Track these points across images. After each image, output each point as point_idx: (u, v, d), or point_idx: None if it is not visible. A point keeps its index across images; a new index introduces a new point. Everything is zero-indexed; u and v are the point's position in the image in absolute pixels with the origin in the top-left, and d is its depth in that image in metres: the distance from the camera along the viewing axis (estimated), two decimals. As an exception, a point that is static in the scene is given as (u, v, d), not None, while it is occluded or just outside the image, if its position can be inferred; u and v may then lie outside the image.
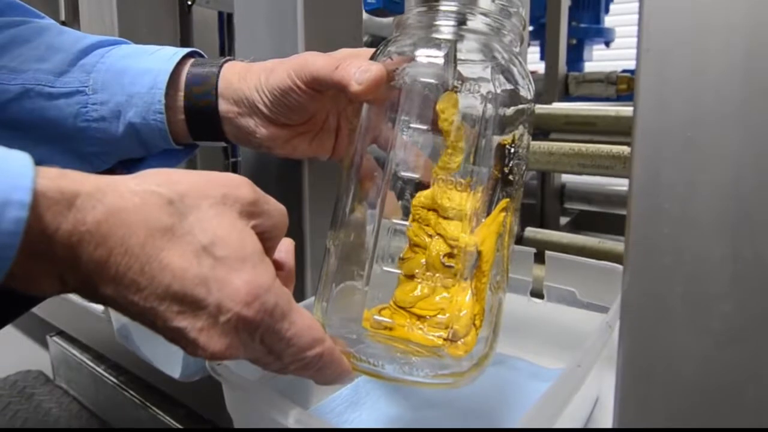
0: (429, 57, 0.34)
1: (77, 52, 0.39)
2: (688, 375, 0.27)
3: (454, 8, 0.33)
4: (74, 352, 0.80)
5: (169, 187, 0.24)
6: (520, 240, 1.04)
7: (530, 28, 1.64)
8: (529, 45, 1.65)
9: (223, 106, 0.39)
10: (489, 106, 0.34)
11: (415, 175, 0.35)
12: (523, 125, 0.36)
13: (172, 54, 0.40)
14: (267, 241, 0.27)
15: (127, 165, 0.43)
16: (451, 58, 0.34)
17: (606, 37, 1.61)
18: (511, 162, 0.35)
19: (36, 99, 0.38)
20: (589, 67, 1.60)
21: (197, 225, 0.24)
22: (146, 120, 0.38)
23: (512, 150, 0.35)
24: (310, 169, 0.47)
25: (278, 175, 0.48)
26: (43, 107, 0.38)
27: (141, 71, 0.38)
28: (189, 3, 0.71)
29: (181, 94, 0.39)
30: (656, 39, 0.26)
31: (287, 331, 0.25)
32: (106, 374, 0.76)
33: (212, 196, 0.25)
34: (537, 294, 0.60)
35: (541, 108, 0.99)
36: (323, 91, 0.36)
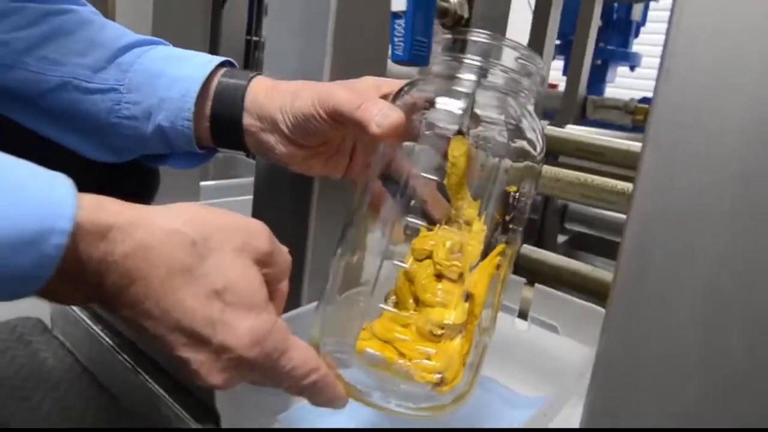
0: (448, 106, 0.35)
1: (116, 50, 0.41)
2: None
3: (477, 63, 0.35)
4: (73, 307, 0.83)
5: (194, 228, 0.26)
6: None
7: (557, 42, 1.64)
8: (554, 59, 1.65)
9: (247, 120, 0.41)
10: (499, 159, 0.35)
11: (425, 211, 0.37)
12: (529, 178, 0.37)
13: (206, 62, 0.41)
14: (273, 284, 0.30)
15: (150, 159, 0.45)
16: (469, 109, 0.35)
17: (632, 62, 1.61)
18: (513, 211, 0.37)
19: (73, 92, 0.40)
20: (610, 88, 1.60)
21: (214, 269, 0.26)
22: (174, 124, 0.40)
23: (516, 198, 0.37)
24: (321, 180, 0.49)
25: (290, 182, 0.50)
26: (79, 100, 0.40)
27: (175, 78, 0.40)
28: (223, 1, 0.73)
29: (209, 102, 0.41)
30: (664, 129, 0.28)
31: (284, 367, 0.28)
32: (102, 334, 0.79)
33: (233, 242, 0.27)
34: (523, 315, 0.63)
35: (553, 130, 1.00)
36: (344, 123, 0.38)
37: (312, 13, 0.46)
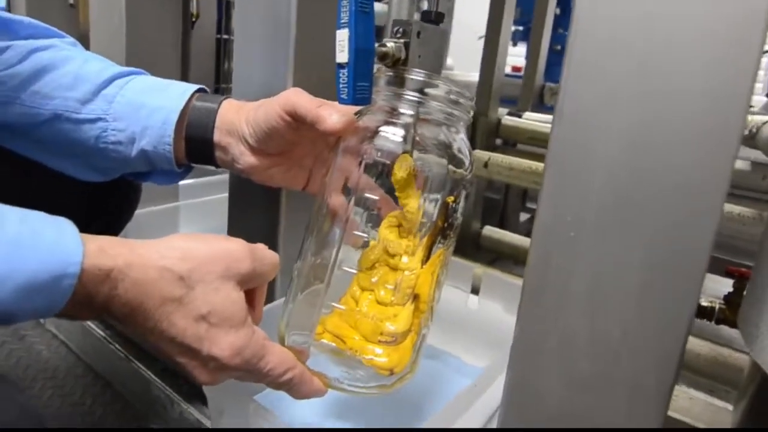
0: (392, 134, 0.42)
1: (100, 83, 0.46)
2: (553, 410, 0.37)
3: (415, 98, 0.41)
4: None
5: (181, 265, 0.33)
6: (478, 237, 1.15)
7: (520, 28, 1.69)
8: (515, 45, 1.71)
9: (217, 136, 0.47)
10: (440, 175, 0.42)
11: (375, 198, 0.43)
12: (460, 189, 0.44)
13: (182, 92, 0.47)
14: (258, 289, 0.37)
15: (133, 175, 0.51)
16: (410, 136, 0.42)
17: (590, 45, 1.66)
18: (451, 218, 0.44)
19: (64, 123, 0.45)
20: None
21: (200, 296, 0.33)
22: (157, 148, 0.46)
23: (454, 207, 0.44)
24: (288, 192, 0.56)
25: (262, 194, 0.56)
26: (69, 129, 0.45)
27: (155, 108, 0.46)
28: (193, 20, 0.77)
29: (185, 124, 0.47)
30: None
31: (264, 368, 0.35)
32: (93, 326, 0.84)
33: (216, 271, 0.34)
34: (476, 290, 0.70)
35: (509, 120, 1.07)
36: (302, 124, 0.43)
37: (275, 54, 0.52)
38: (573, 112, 0.34)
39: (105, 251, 0.31)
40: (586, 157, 0.34)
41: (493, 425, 0.55)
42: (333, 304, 0.41)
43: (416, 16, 0.44)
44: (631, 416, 0.35)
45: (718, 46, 0.29)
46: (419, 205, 0.42)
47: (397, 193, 0.43)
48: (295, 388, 0.37)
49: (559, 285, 0.36)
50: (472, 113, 0.43)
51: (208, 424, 0.66)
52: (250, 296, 0.37)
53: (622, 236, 0.34)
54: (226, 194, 0.62)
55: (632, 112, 0.32)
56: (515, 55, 1.72)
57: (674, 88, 0.31)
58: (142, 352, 0.78)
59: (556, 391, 0.37)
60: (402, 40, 0.41)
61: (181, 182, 0.91)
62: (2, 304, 0.27)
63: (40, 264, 0.28)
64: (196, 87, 0.48)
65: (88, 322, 0.83)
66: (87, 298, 0.30)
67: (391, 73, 0.42)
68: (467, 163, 0.43)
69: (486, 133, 1.09)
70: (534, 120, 1.10)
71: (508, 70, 1.52)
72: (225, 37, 1.30)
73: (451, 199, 0.43)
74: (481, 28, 1.17)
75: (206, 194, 0.90)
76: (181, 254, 0.33)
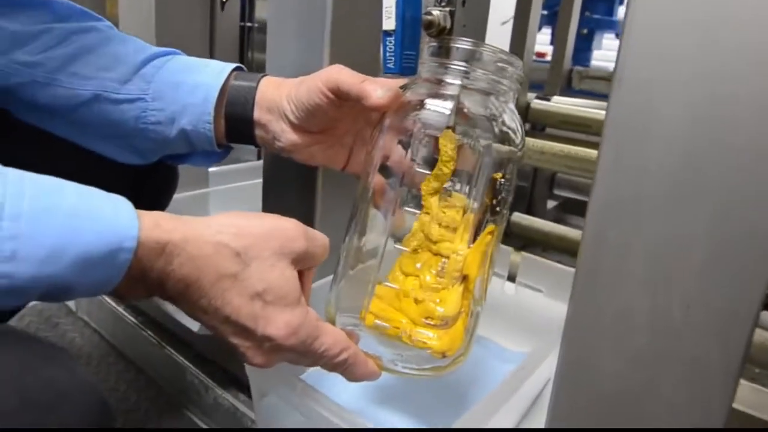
0: (438, 107, 0.40)
1: (138, 63, 0.45)
2: (609, 388, 0.36)
3: (461, 67, 0.40)
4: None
5: (237, 241, 0.32)
6: (507, 223, 1.13)
7: (544, 12, 1.66)
8: (540, 29, 1.68)
9: (258, 113, 0.46)
10: (485, 150, 0.41)
11: (426, 173, 0.41)
12: (512, 164, 0.43)
13: (221, 69, 0.46)
14: (309, 270, 0.36)
15: (172, 158, 0.50)
16: (455, 108, 0.41)
17: (617, 30, 1.63)
18: (500, 195, 0.42)
19: (104, 103, 0.45)
20: (597, 55, 1.64)
21: (256, 274, 0.32)
22: (197, 127, 0.45)
23: (502, 183, 0.42)
24: (324, 171, 0.55)
25: (297, 177, 0.56)
26: (109, 110, 0.45)
27: (194, 85, 0.45)
28: (223, 2, 0.76)
29: (224, 101, 0.46)
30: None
31: (318, 349, 0.34)
32: (126, 313, 0.85)
33: (271, 248, 0.33)
34: (512, 278, 0.69)
35: (538, 104, 1.05)
36: (345, 100, 0.42)
37: (310, 32, 0.51)
38: (633, 78, 0.33)
39: (160, 225, 0.30)
40: (647, 127, 0.33)
41: (539, 409, 0.54)
42: (386, 283, 0.40)
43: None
44: (693, 396, 0.34)
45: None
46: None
47: (443, 169, 0.42)
48: (350, 370, 0.36)
49: (617, 261, 0.35)
50: (521, 82, 0.42)
51: (243, 409, 0.66)
52: (300, 277, 0.36)
53: (685, 211, 0.32)
54: (256, 180, 0.62)
55: (699, 80, 0.30)
56: (538, 42, 1.69)
57: (740, 59, 0.29)
58: (175, 337, 0.78)
59: (612, 367, 0.36)
60: (447, 8, 0.40)
61: (211, 168, 0.91)
62: (60, 276, 0.27)
63: (98, 237, 0.27)
64: (234, 65, 0.47)
65: (121, 309, 0.84)
66: (142, 273, 0.30)
67: (435, 43, 0.40)
68: (517, 136, 0.42)
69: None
70: (564, 104, 1.07)
71: (532, 55, 1.50)
72: (249, 24, 1.29)
73: (499, 175, 0.42)
74: (504, 14, 1.15)
75: (236, 180, 0.90)
76: (237, 230, 0.32)
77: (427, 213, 0.41)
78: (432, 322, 0.38)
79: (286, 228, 0.34)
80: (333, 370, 0.36)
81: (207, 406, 0.71)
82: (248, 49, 1.29)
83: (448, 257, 0.40)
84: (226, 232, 0.32)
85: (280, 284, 0.33)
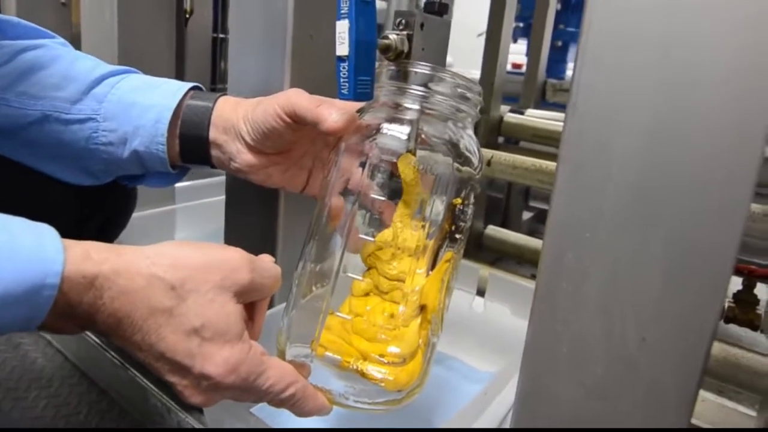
0: (395, 131, 0.40)
1: (90, 82, 0.44)
2: (567, 415, 0.35)
3: (420, 92, 0.39)
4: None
5: (173, 273, 0.30)
6: (480, 237, 1.13)
7: (520, 25, 1.67)
8: (515, 41, 1.69)
9: (213, 133, 0.45)
10: (443, 176, 0.40)
11: (381, 199, 0.41)
12: (469, 189, 0.42)
13: (177, 89, 0.45)
14: (261, 302, 0.35)
15: (126, 179, 0.49)
16: (414, 133, 0.40)
17: (591, 41, 1.65)
18: (459, 221, 0.42)
19: (53, 123, 0.43)
20: (571, 67, 1.65)
21: (193, 308, 0.30)
22: (149, 149, 0.44)
23: (461, 209, 0.42)
24: (286, 194, 0.54)
25: (259, 196, 0.54)
26: (58, 131, 0.44)
27: (147, 106, 0.44)
28: (187, 16, 0.75)
29: (179, 122, 0.45)
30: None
31: (263, 385, 0.33)
32: (89, 333, 0.82)
33: (211, 281, 0.31)
34: (481, 292, 0.68)
35: (512, 117, 1.05)
36: (301, 124, 0.41)
37: (272, 48, 0.50)
38: (587, 104, 0.33)
39: (89, 257, 0.28)
40: (602, 151, 0.32)
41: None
42: (337, 313, 0.39)
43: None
44: (649, 425, 0.34)
45: (745, 32, 0.27)
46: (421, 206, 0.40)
47: (404, 196, 0.42)
48: (298, 405, 0.35)
49: (573, 286, 0.35)
50: (479, 108, 0.41)
51: (207, 433, 0.64)
52: (248, 311, 0.34)
53: (642, 235, 0.32)
54: (224, 197, 0.60)
55: (652, 104, 0.30)
56: (515, 53, 1.70)
57: (697, 79, 0.29)
58: (128, 353, 0.76)
59: (570, 396, 0.36)
60: (405, 32, 0.39)
61: (178, 184, 0.89)
62: None
63: (17, 273, 0.26)
64: (190, 84, 0.46)
65: (84, 329, 0.82)
66: (69, 309, 0.28)
67: (393, 67, 0.40)
68: (476, 161, 0.41)
69: (488, 131, 1.07)
70: (537, 117, 1.08)
71: (508, 67, 1.51)
72: (221, 36, 1.28)
73: (458, 201, 0.41)
74: (480, 25, 1.15)
75: (203, 197, 0.88)
76: (173, 261, 0.31)
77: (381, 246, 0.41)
78: (385, 360, 0.37)
79: (229, 259, 0.32)
80: (280, 406, 0.35)
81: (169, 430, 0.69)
82: (221, 60, 1.28)
83: (398, 303, 0.39)
84: (161, 264, 0.30)
85: (219, 319, 0.31)
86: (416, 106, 0.39)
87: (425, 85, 0.40)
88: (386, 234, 0.41)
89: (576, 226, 0.34)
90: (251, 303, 0.34)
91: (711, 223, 0.30)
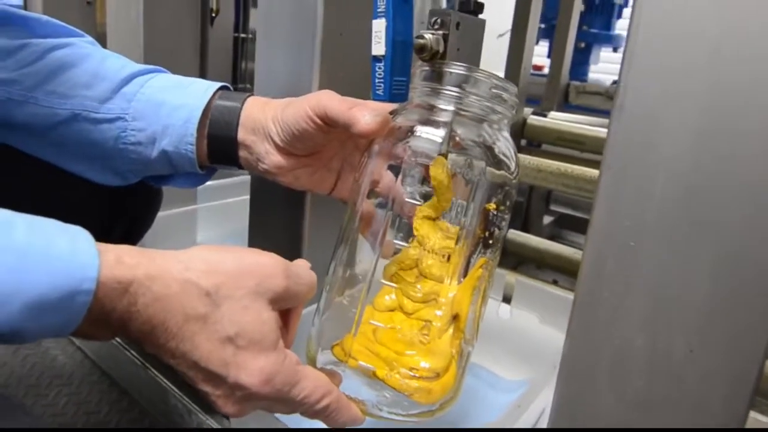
0: (429, 134, 0.39)
1: (119, 81, 0.44)
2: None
3: (454, 93, 0.38)
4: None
5: (207, 279, 0.29)
6: (502, 241, 1.12)
7: (541, 26, 1.65)
8: (538, 42, 1.67)
9: (242, 134, 0.44)
10: (478, 180, 0.39)
11: (416, 203, 0.40)
12: (506, 195, 0.41)
13: (205, 89, 0.44)
14: (294, 309, 0.34)
15: (154, 179, 0.48)
16: (448, 136, 0.39)
17: (615, 44, 1.63)
18: (493, 227, 0.40)
19: (82, 123, 0.43)
20: (594, 69, 1.63)
21: (227, 316, 0.29)
22: (178, 149, 0.43)
23: (495, 215, 0.40)
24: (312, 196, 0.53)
25: (285, 197, 0.54)
26: (88, 130, 0.43)
27: (177, 105, 0.43)
28: (213, 15, 0.75)
29: (207, 122, 0.44)
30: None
31: (297, 396, 0.32)
32: (110, 331, 0.82)
33: (246, 287, 0.30)
34: (507, 299, 0.67)
35: (534, 120, 1.03)
36: (333, 126, 0.40)
37: (300, 47, 0.50)
38: (635, 106, 0.31)
39: (123, 261, 0.27)
40: (649, 155, 0.31)
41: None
42: (373, 322, 0.38)
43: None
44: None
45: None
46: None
47: (435, 200, 0.40)
48: (332, 416, 0.34)
49: (615, 296, 0.33)
50: (515, 110, 0.40)
51: (228, 435, 0.64)
52: (282, 318, 0.33)
53: (690, 243, 0.30)
54: (246, 197, 0.60)
55: (703, 104, 0.29)
56: (535, 54, 1.69)
57: (752, 77, 0.27)
58: (160, 359, 0.76)
59: (610, 410, 0.34)
60: (440, 32, 0.38)
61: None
62: (8, 323, 0.24)
63: (52, 278, 0.25)
64: (219, 84, 0.45)
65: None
66: (103, 315, 0.27)
67: (427, 68, 0.39)
68: (512, 165, 0.40)
69: (511, 134, 1.05)
70: (560, 120, 1.06)
71: (529, 69, 1.50)
72: (243, 35, 1.28)
73: (492, 206, 0.40)
74: (500, 26, 1.14)
75: (225, 197, 0.88)
76: (207, 267, 0.30)
77: (418, 245, 0.40)
78: (418, 375, 0.36)
79: (264, 264, 0.31)
80: (313, 417, 0.34)
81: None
82: (242, 60, 1.28)
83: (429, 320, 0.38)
84: (194, 269, 0.29)
85: (254, 327, 0.30)
86: (450, 108, 0.38)
87: (459, 86, 0.38)
88: (411, 253, 0.40)
89: (619, 233, 0.33)
90: (285, 310, 0.34)
91: (765, 231, 0.28)
